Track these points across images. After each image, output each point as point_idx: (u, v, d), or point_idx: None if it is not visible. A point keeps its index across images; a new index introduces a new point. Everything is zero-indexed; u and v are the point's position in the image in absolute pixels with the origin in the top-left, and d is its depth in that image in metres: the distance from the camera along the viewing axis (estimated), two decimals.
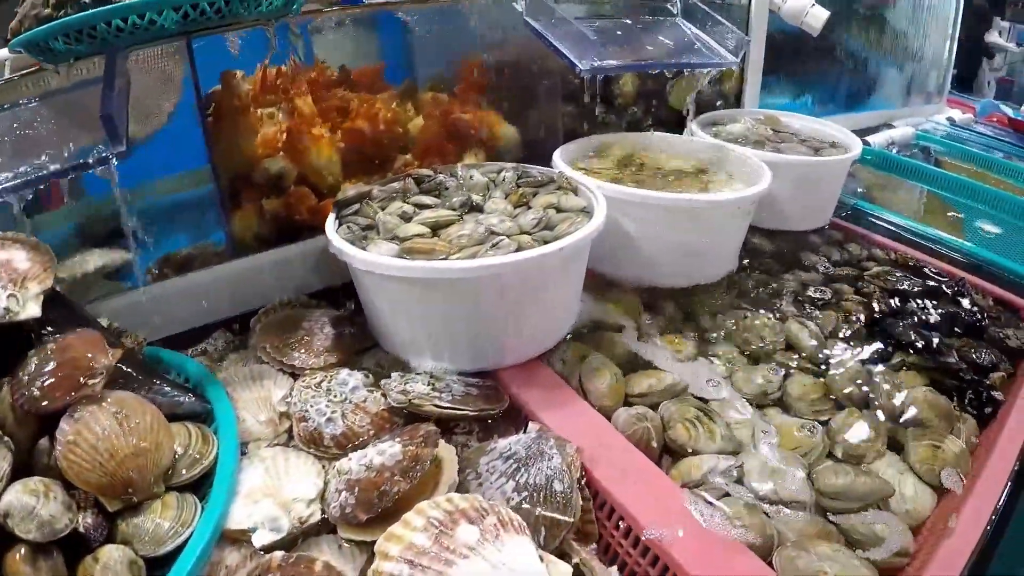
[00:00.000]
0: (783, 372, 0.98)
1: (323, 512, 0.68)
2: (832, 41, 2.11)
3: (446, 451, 0.73)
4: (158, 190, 1.16)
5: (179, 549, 0.59)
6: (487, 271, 0.80)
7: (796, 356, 1.03)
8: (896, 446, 0.88)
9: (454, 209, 0.97)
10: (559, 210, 0.98)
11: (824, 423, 0.90)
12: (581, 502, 0.69)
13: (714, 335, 1.08)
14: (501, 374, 0.88)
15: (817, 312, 1.13)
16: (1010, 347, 1.08)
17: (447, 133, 1.31)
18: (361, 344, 0.98)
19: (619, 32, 1.32)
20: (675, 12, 1.37)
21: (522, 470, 0.70)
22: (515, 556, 0.57)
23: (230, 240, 1.13)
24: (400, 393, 0.80)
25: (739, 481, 0.79)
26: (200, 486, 0.66)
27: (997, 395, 0.97)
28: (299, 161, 1.15)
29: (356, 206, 1.00)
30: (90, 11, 0.68)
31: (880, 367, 1.01)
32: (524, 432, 0.77)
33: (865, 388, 0.96)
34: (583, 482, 0.72)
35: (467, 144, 1.31)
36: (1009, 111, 2.45)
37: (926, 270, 1.25)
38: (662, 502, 0.71)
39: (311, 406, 0.79)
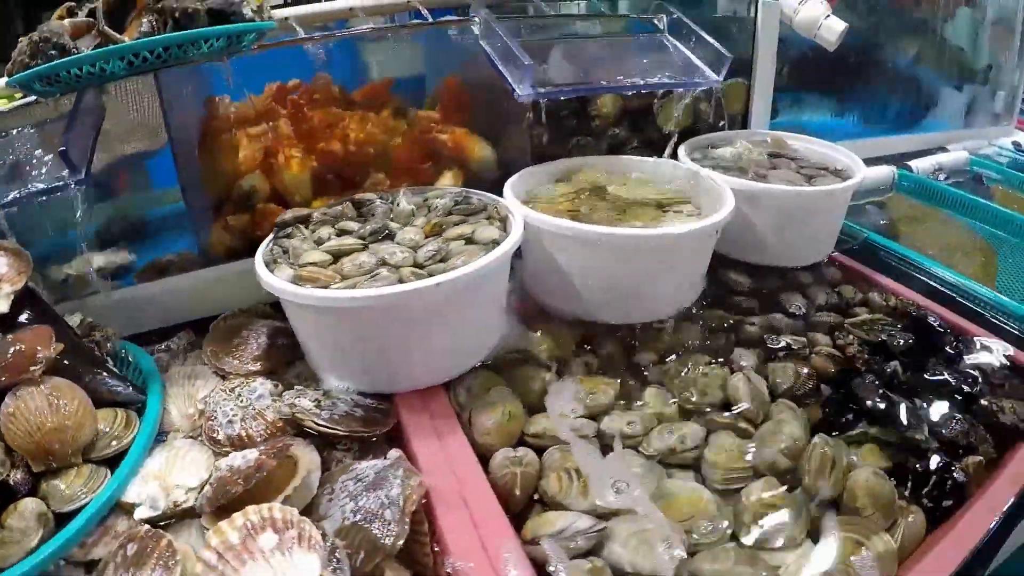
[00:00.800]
0: (707, 431, 0.85)
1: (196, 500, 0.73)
2: (878, 57, 1.89)
3: (308, 464, 0.75)
4: (152, 202, 1.28)
5: (81, 509, 0.69)
6: (348, 303, 0.78)
7: (730, 413, 0.89)
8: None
9: (363, 238, 0.93)
10: (470, 241, 0.90)
11: (735, 494, 0.77)
12: (407, 532, 0.67)
13: (651, 380, 0.96)
14: (397, 398, 0.86)
15: (779, 363, 0.97)
16: (1000, 423, 0.89)
17: (424, 153, 1.25)
18: (292, 356, 0.97)
19: (594, 52, 1.21)
20: (661, 28, 1.23)
21: (364, 494, 0.70)
22: (297, 568, 0.60)
23: (201, 251, 1.19)
24: (288, 406, 0.82)
25: (599, 546, 0.69)
26: (116, 462, 0.75)
27: (963, 485, 0.80)
28: (272, 180, 1.16)
29: (291, 228, 0.99)
30: (53, 63, 0.80)
31: (831, 437, 0.85)
32: (384, 458, 0.75)
33: (798, 461, 0.80)
34: (417, 514, 0.69)
35: (444, 164, 1.25)
36: None
37: (930, 321, 1.06)
38: (491, 542, 0.66)
39: (220, 407, 0.83)
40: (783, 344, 1.01)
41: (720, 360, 0.98)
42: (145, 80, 1.04)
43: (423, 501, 0.70)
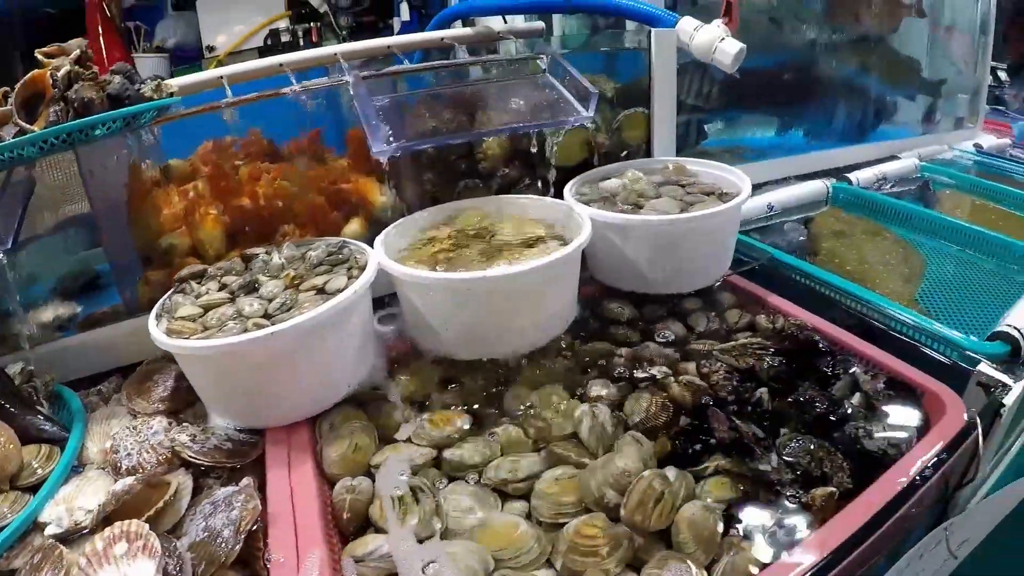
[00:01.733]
0: (548, 463, 0.81)
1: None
2: (821, 71, 1.80)
3: (180, 489, 0.81)
4: (96, 258, 1.29)
5: (5, 527, 0.76)
6: (192, 351, 0.82)
7: (573, 445, 0.84)
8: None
9: (233, 291, 0.94)
10: (321, 291, 0.90)
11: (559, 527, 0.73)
12: (240, 547, 0.71)
13: (510, 414, 0.92)
14: (268, 432, 0.88)
15: (637, 394, 0.91)
16: (865, 450, 0.81)
17: (333, 202, 1.25)
18: (194, 397, 0.98)
19: (473, 98, 1.18)
20: (543, 68, 1.20)
21: (214, 515, 0.75)
22: (138, 571, 0.68)
23: (125, 304, 1.20)
24: (170, 440, 0.87)
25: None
26: (38, 488, 0.81)
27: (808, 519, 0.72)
28: (191, 236, 1.18)
29: (185, 284, 1.01)
30: None
31: (682, 469, 0.79)
32: (236, 485, 0.80)
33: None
34: (255, 532, 0.74)
35: (352, 211, 1.25)
36: None
37: (814, 342, 0.98)
38: (304, 551, 0.70)
39: (123, 443, 0.88)
40: (648, 375, 0.95)
41: (580, 392, 0.93)
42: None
43: (259, 522, 0.74)
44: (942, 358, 0.96)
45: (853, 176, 1.64)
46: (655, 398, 0.89)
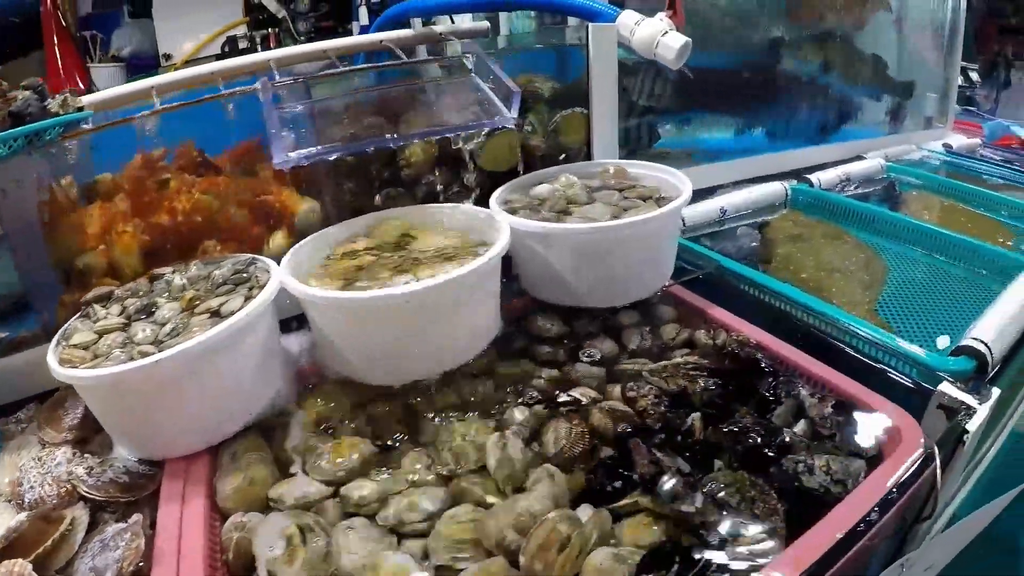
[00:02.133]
0: (452, 500, 0.70)
1: None
2: (782, 70, 1.69)
3: (74, 524, 0.74)
4: None
5: None
6: (76, 381, 0.75)
7: (481, 480, 0.72)
8: None
9: (129, 316, 0.85)
10: (215, 314, 0.80)
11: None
12: None
13: (421, 442, 0.82)
14: (167, 463, 0.80)
15: (556, 422, 0.79)
16: (805, 488, 0.69)
17: (255, 216, 1.14)
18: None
19: (396, 100, 1.07)
20: (470, 69, 1.09)
21: (101, 553, 0.70)
22: None
23: (43, 327, 1.10)
24: (67, 473, 0.81)
25: None
26: None
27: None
28: (107, 255, 1.08)
29: (88, 308, 0.92)
30: None
31: (600, 507, 0.67)
32: (126, 521, 0.74)
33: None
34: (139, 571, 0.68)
35: (276, 224, 1.13)
36: (1022, 132, 1.85)
37: (756, 360, 0.86)
38: None
39: (27, 474, 0.82)
40: (570, 399, 0.83)
41: (496, 419, 0.81)
42: None
43: (143, 562, 0.69)
44: (900, 377, 0.84)
45: (814, 177, 1.52)
46: (574, 427, 0.78)
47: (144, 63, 2.70)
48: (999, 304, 0.93)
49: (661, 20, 1.13)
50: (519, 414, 0.82)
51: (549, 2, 1.27)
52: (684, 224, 1.26)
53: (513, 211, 1.01)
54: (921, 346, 0.87)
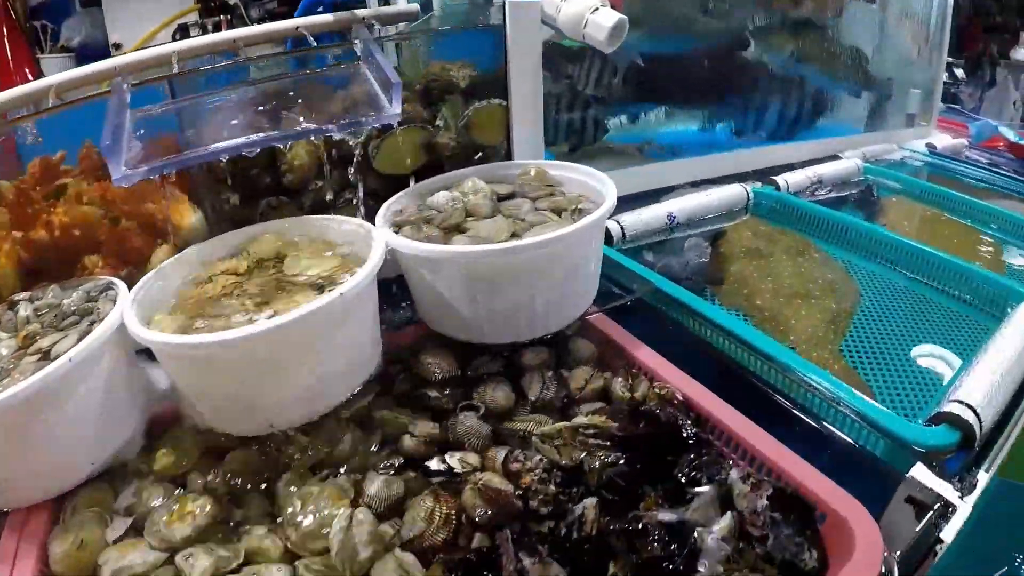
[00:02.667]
0: None
1: None
2: (751, 58, 1.47)
3: None
4: None
5: None
6: None
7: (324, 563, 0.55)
8: None
9: None
10: (45, 356, 0.63)
11: None
12: None
13: (269, 507, 0.64)
14: (11, 514, 0.66)
15: (419, 498, 0.59)
16: None
17: (140, 228, 0.94)
18: None
19: (277, 97, 0.85)
20: (359, 55, 0.87)
21: None
22: None
23: None
24: None
25: None
26: None
27: None
28: None
29: None
30: None
31: None
32: None
33: None
34: None
35: (160, 237, 0.94)
36: (1010, 133, 1.62)
37: (682, 426, 0.64)
38: None
39: None
40: (443, 467, 0.62)
41: (357, 483, 0.62)
42: None
43: None
44: (863, 449, 0.63)
45: (781, 179, 1.30)
46: (440, 505, 0.58)
47: (93, 54, 2.46)
48: (991, 351, 0.71)
49: None
50: (375, 485, 0.62)
51: None
52: (624, 236, 1.05)
53: (400, 226, 0.80)
54: (894, 405, 0.66)
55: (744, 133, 1.44)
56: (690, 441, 0.62)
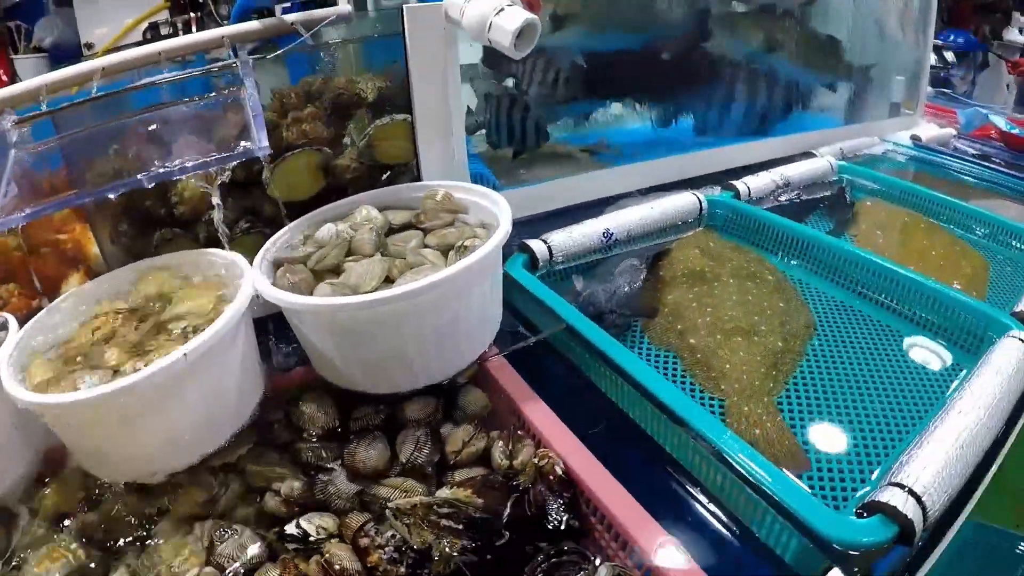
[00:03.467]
0: None
1: None
2: (713, 52, 1.34)
3: None
4: None
5: None
6: None
7: None
8: None
9: None
10: None
11: None
12: None
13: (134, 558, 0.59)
14: None
15: (273, 566, 0.52)
16: None
17: (55, 257, 0.93)
18: None
19: (159, 126, 0.77)
20: (240, 77, 0.78)
21: None
22: None
23: None
24: None
25: None
26: None
27: None
28: None
29: None
30: None
31: None
32: None
33: None
34: None
35: (70, 265, 0.90)
36: (1001, 122, 1.46)
37: (548, 511, 0.55)
38: None
39: None
40: (297, 533, 0.55)
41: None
42: None
43: None
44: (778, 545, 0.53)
45: (742, 184, 1.18)
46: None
47: (66, 54, 2.40)
48: (949, 419, 0.60)
49: None
50: (230, 546, 0.57)
51: None
52: (552, 258, 0.94)
53: (279, 264, 0.71)
54: (842, 476, 0.56)
55: (707, 131, 1.31)
56: (554, 528, 0.53)
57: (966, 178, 1.39)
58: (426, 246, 0.72)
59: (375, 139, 0.86)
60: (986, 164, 1.39)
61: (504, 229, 0.68)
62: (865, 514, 0.53)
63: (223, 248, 0.75)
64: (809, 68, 1.39)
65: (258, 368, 0.70)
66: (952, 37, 2.14)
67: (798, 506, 0.53)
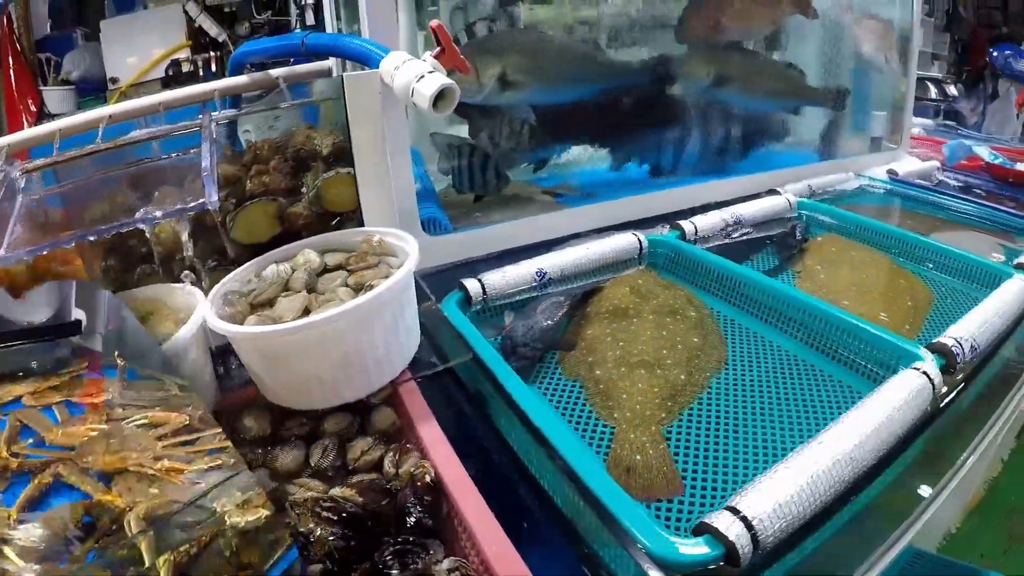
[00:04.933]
0: None
1: None
2: (664, 91, 1.51)
3: None
4: None
5: None
6: None
7: None
8: None
9: None
10: None
11: None
12: None
13: None
14: None
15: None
16: None
17: None
18: None
19: (146, 175, 1.02)
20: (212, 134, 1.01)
21: None
22: None
23: None
24: None
25: None
26: None
27: None
28: None
29: None
30: None
31: None
32: None
33: None
34: None
35: None
36: (985, 152, 1.57)
37: (408, 511, 0.73)
38: None
39: None
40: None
41: None
42: None
43: None
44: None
45: (688, 224, 1.34)
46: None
47: (92, 87, 2.77)
48: (807, 450, 0.70)
49: (425, 61, 1.01)
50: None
51: (335, 48, 1.17)
52: (486, 295, 1.13)
53: (229, 300, 0.93)
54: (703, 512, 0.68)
55: (661, 172, 1.48)
56: (411, 525, 0.71)
57: (942, 211, 1.50)
58: (346, 285, 0.92)
59: (323, 190, 1.07)
60: (963, 196, 1.50)
61: (404, 270, 0.87)
62: (694, 535, 0.64)
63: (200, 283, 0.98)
64: (768, 98, 1.54)
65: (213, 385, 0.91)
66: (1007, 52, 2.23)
67: (631, 523, 0.65)
